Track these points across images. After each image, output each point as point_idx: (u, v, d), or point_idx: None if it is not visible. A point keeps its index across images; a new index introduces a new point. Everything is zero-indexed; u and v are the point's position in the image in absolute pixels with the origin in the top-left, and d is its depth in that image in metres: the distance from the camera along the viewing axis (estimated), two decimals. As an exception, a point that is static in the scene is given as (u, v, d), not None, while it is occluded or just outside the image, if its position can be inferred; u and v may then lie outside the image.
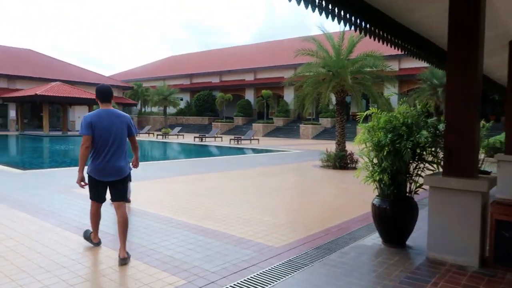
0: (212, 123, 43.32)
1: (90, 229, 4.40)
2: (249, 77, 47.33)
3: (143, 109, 54.35)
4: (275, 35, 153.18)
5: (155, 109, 54.20)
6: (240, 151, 20.16)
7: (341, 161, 11.94)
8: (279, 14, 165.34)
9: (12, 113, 38.22)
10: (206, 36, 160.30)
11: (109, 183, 4.05)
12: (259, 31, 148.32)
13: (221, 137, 28.79)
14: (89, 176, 4.06)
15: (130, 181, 5.58)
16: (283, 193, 7.75)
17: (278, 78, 43.73)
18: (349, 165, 11.99)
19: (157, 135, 30.72)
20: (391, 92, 13.40)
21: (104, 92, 4.13)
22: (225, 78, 50.21)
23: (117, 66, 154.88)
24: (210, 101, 47.92)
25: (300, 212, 6.22)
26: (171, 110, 49.10)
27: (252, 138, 25.77)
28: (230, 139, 25.36)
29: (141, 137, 31.60)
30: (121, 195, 4.12)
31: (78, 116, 43.01)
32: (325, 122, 37.18)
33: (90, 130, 3.90)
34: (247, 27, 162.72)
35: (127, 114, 4.26)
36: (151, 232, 4.88)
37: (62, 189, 7.46)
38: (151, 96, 44.60)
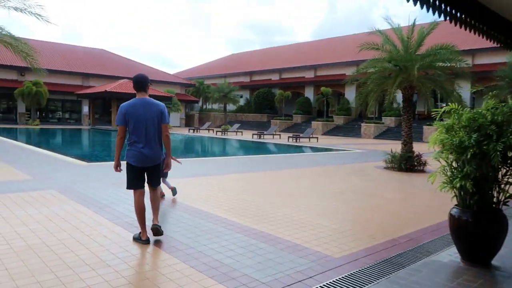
0: (271, 120, 43.14)
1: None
2: (309, 74, 46.47)
3: (204, 106, 55.65)
4: (336, 32, 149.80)
5: (216, 106, 55.28)
6: (298, 149, 19.67)
7: (407, 163, 11.04)
8: (341, 10, 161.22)
9: (85, 109, 40.94)
10: (269, 36, 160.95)
11: (145, 169, 4.24)
12: (320, 28, 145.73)
13: (279, 134, 28.46)
14: (127, 163, 4.22)
15: (165, 177, 5.90)
16: (343, 196, 7.20)
17: (339, 75, 42.49)
18: (416, 168, 11.05)
19: (216, 131, 31.12)
20: (467, 89, 12.16)
21: (139, 82, 4.25)
22: (285, 76, 49.79)
23: (186, 65, 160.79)
24: (269, 99, 47.80)
25: (362, 218, 5.66)
26: (231, 107, 49.75)
27: (311, 136, 25.13)
28: (288, 137, 24.94)
29: (201, 133, 32.27)
30: (156, 181, 4.41)
31: (144, 112, 44.98)
32: (389, 121, 35.42)
33: (124, 121, 4.11)
34: (307, 24, 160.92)
35: (161, 103, 4.32)
36: (200, 232, 4.63)
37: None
38: (212, 93, 45.50)
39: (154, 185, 4.40)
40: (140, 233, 4.25)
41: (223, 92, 43.20)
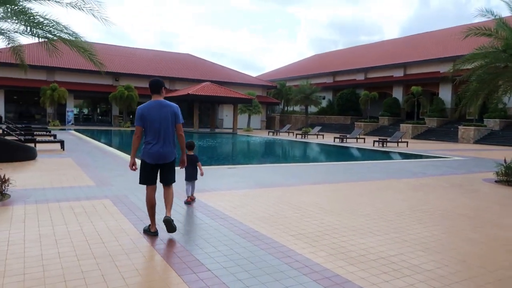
0: (355, 123, 40.82)
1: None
2: (398, 73, 43.11)
3: (285, 108, 54.91)
4: (427, 29, 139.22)
5: (297, 108, 54.23)
6: (386, 155, 17.72)
7: (529, 177, 8.85)
8: (434, 4, 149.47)
9: (171, 111, 42.61)
10: (354, 35, 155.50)
11: (159, 166, 4.47)
12: (409, 26, 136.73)
13: (364, 138, 26.44)
14: (141, 161, 4.46)
15: (196, 179, 6.01)
16: (449, 221, 5.61)
17: (431, 73, 38.74)
18: (541, 183, 8.80)
19: (296, 134, 29.99)
20: None
21: (153, 85, 4.46)
22: (371, 75, 46.92)
23: (269, 68, 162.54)
24: (353, 100, 45.41)
25: (482, 259, 4.11)
26: (312, 109, 48.29)
27: (399, 140, 22.77)
28: (374, 141, 22.88)
29: (280, 136, 31.39)
30: (170, 178, 4.57)
31: (226, 115, 45.68)
32: (492, 123, 31.11)
33: (141, 121, 4.37)
34: (395, 22, 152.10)
35: (174, 104, 4.49)
36: (257, 269, 3.55)
37: (180, 194, 6.80)
38: (293, 95, 44.51)
39: (167, 182, 4.58)
40: (149, 225, 4.52)
41: (304, 94, 41.98)
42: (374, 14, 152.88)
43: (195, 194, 6.29)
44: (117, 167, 9.63)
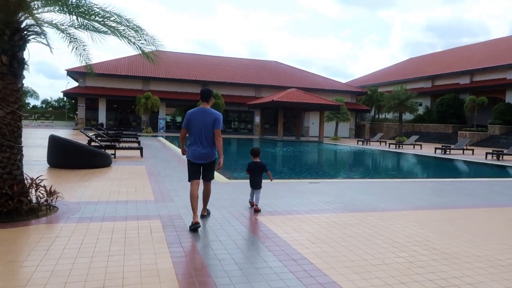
0: (458, 132, 36.23)
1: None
2: (512, 75, 37.42)
3: (377, 116, 51.40)
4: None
5: (390, 115, 50.40)
6: (503, 171, 14.63)
7: None
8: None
9: (256, 119, 42.33)
10: (455, 37, 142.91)
11: (201, 165, 5.10)
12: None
13: (472, 149, 22.82)
14: (187, 160, 5.12)
15: (260, 187, 5.87)
16: None
17: (560, 74, 32.88)
18: None
19: (390, 144, 27.20)
20: None
21: (203, 94, 5.10)
22: (477, 78, 41.55)
23: (359, 75, 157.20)
24: (456, 106, 40.56)
25: None
26: (407, 116, 44.31)
27: (520, 153, 19.05)
28: (487, 153, 19.42)
29: (371, 145, 28.84)
30: (209, 176, 5.27)
31: (312, 122, 44.02)
32: None
33: (186, 124, 5.05)
34: (504, 20, 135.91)
35: (218, 112, 5.04)
36: None
37: (245, 219, 5.54)
38: (386, 101, 41.24)
39: (207, 179, 5.26)
40: (192, 220, 4.84)
41: (398, 100, 38.51)
42: (478, 14, 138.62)
43: (260, 205, 5.17)
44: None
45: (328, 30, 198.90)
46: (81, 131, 18.78)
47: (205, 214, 5.39)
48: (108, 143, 12.81)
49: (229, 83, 41.60)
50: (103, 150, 10.82)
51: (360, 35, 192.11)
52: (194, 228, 4.71)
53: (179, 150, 16.20)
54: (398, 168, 15.96)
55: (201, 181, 5.19)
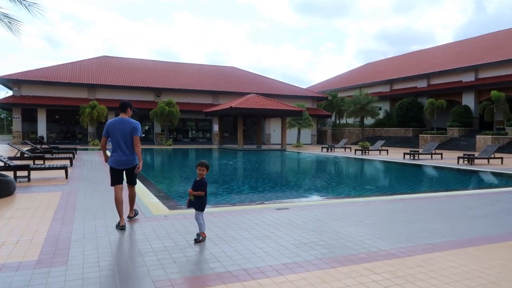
0: (419, 135, 35.82)
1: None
2: (468, 78, 37.66)
3: (337, 121, 50.63)
4: (484, 32, 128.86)
5: (350, 120, 49.79)
6: (483, 177, 13.32)
7: None
8: (490, 10, 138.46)
9: (215, 128, 39.99)
10: (405, 45, 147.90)
11: (122, 170, 5.53)
12: (463, 32, 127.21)
13: (441, 153, 21.81)
14: (110, 167, 5.51)
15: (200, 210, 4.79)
16: None
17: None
18: None
19: (355, 150, 25.85)
20: None
21: (121, 106, 5.61)
22: (435, 81, 41.70)
23: (316, 81, 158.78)
24: (415, 109, 40.38)
25: None
26: (368, 121, 43.73)
27: (491, 156, 18.09)
28: (459, 157, 18.30)
29: (336, 152, 27.39)
30: (132, 180, 5.66)
31: (273, 129, 42.29)
32: None
33: (106, 133, 5.51)
34: (448, 29, 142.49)
35: (135, 121, 5.55)
36: None
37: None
38: (347, 106, 40.34)
39: (131, 183, 5.68)
40: (119, 221, 5.28)
41: (360, 104, 37.72)
42: (426, 24, 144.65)
43: (206, 256, 2.95)
44: (111, 210, 6.42)
45: (286, 38, 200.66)
46: (8, 144, 15.78)
47: (132, 216, 5.74)
48: (19, 164, 10.11)
49: (185, 89, 39.08)
50: (2, 175, 8.19)
51: (317, 43, 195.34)
52: (120, 228, 5.21)
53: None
54: (374, 180, 14.12)
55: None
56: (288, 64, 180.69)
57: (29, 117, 34.64)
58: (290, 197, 9.35)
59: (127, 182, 5.63)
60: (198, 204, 4.74)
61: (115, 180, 5.48)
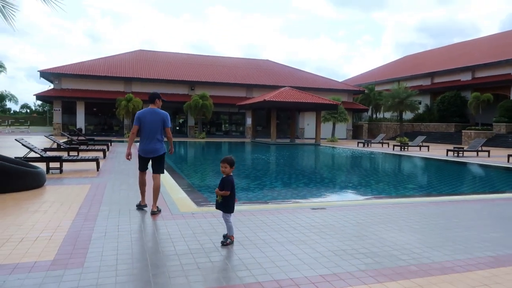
0: (462, 131, 33.91)
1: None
2: (519, 70, 35.20)
3: (374, 115, 49.03)
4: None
5: (387, 115, 48.08)
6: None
7: None
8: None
9: (248, 121, 39.69)
10: (446, 37, 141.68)
11: (149, 159, 5.78)
12: (510, 20, 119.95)
13: (488, 150, 20.40)
14: (138, 155, 5.83)
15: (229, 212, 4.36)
16: None
17: None
18: None
19: (394, 145, 24.71)
20: None
21: (150, 97, 5.87)
22: (480, 74, 39.34)
23: (351, 75, 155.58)
24: (458, 104, 38.34)
25: None
26: (406, 116, 41.96)
27: (546, 154, 16.60)
28: (509, 155, 16.95)
29: (373, 147, 26.35)
30: (157, 169, 5.77)
31: (307, 124, 41.50)
32: None
33: (138, 123, 5.71)
34: (494, 20, 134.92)
35: (165, 112, 5.77)
36: None
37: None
38: (384, 100, 38.81)
39: (155, 171, 5.77)
40: (140, 201, 5.90)
41: (398, 98, 36.12)
42: (469, 14, 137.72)
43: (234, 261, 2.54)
44: (134, 206, 6.14)
45: (322, 31, 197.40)
46: (45, 136, 16.12)
47: (155, 211, 5.61)
48: (51, 155, 10.11)
49: (219, 83, 38.97)
50: (34, 166, 8.12)
51: (354, 36, 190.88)
52: (140, 208, 5.76)
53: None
54: (416, 178, 13.17)
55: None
56: (324, 57, 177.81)
57: (69, 110, 35.67)
58: (325, 196, 8.79)
59: (153, 171, 5.75)
60: (224, 205, 4.31)
61: (142, 167, 5.86)
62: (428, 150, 23.17)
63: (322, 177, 12.78)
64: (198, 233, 4.69)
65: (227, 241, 4.25)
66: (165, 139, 5.89)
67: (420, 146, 24.10)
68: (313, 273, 3.49)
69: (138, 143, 6.14)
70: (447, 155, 19.55)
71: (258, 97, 33.36)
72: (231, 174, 4.39)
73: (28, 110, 79.87)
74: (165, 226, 4.97)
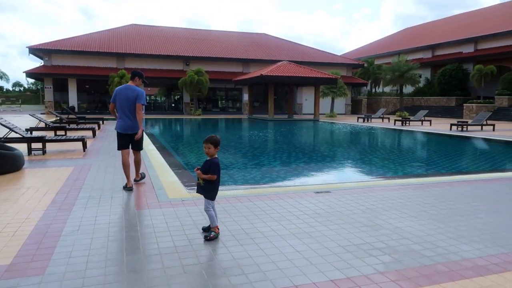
0: (464, 104, 33.19)
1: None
2: (522, 41, 34.20)
3: (373, 90, 48.11)
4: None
5: (386, 89, 47.19)
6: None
7: None
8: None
9: (245, 97, 38.81)
10: (446, 9, 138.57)
11: (127, 135, 5.73)
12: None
13: (493, 124, 19.75)
14: (116, 132, 5.78)
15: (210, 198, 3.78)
16: None
17: None
18: None
19: (395, 120, 24.04)
20: None
21: (131, 74, 5.86)
22: (483, 46, 38.26)
23: (349, 49, 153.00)
24: (459, 77, 37.45)
25: None
26: (406, 89, 41.07)
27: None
28: (516, 130, 16.36)
29: (373, 122, 25.70)
30: (137, 146, 5.90)
31: (305, 99, 40.64)
32: None
33: (113, 99, 5.73)
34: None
35: (140, 89, 5.69)
36: None
37: None
38: (384, 74, 37.83)
39: (136, 149, 5.91)
40: (126, 183, 5.65)
41: (399, 71, 35.19)
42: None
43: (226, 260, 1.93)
44: (120, 191, 5.53)
45: (319, 5, 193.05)
46: (30, 115, 15.40)
47: (138, 179, 5.93)
48: (32, 136, 9.40)
49: (215, 58, 37.80)
50: (11, 148, 7.45)
51: (351, 9, 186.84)
52: (127, 189, 5.59)
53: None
54: (423, 155, 12.43)
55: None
56: (321, 32, 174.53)
57: (61, 87, 34.62)
58: (329, 176, 8.19)
59: (132, 148, 5.88)
60: (208, 190, 3.71)
61: (121, 144, 5.80)
62: (430, 125, 22.55)
63: (324, 155, 12.15)
64: (187, 225, 4.08)
65: (211, 234, 3.66)
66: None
67: (422, 121, 23.45)
68: (323, 278, 2.89)
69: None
70: (450, 129, 18.94)
71: (255, 72, 32.39)
72: (216, 156, 3.76)
73: (22, 89, 78.38)
74: (149, 217, 4.35)
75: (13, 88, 75.42)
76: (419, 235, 3.85)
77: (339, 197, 5.34)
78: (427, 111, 24.75)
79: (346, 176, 8.30)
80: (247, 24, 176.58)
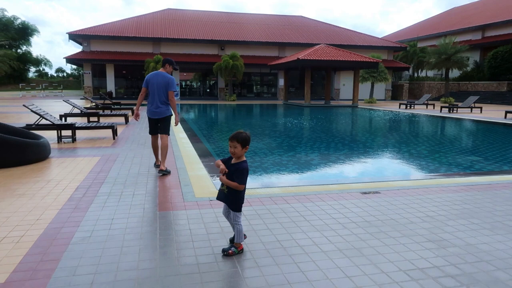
0: (517, 90, 30.76)
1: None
2: None
3: (415, 74, 45.71)
4: None
5: (430, 73, 44.71)
6: None
7: None
8: None
9: (280, 82, 37.90)
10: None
11: (157, 120, 5.99)
12: None
13: (554, 112, 17.88)
14: (147, 117, 6.08)
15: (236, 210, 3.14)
16: None
17: None
18: None
19: (441, 107, 22.46)
20: None
21: (162, 61, 6.02)
22: (541, 26, 35.16)
23: (388, 32, 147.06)
24: (512, 60, 34.69)
25: None
26: (452, 74, 38.62)
27: None
28: None
29: (416, 109, 24.18)
30: (162, 130, 6.03)
31: (343, 84, 39.22)
32: None
33: (145, 84, 5.94)
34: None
35: (170, 76, 5.92)
36: None
37: None
38: (428, 57, 35.60)
39: (162, 131, 6.04)
40: (155, 161, 6.29)
41: (445, 54, 32.97)
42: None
43: None
44: (144, 185, 5.05)
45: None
46: (64, 101, 15.42)
47: (164, 170, 5.74)
48: (61, 123, 9.15)
49: (250, 41, 37.02)
50: (37, 136, 7.17)
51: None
52: (157, 166, 6.12)
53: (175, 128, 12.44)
54: (481, 148, 11.05)
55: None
56: (359, 13, 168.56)
57: (99, 73, 35.14)
58: (375, 172, 7.36)
59: (159, 131, 6.04)
60: (232, 200, 3.07)
61: (152, 129, 6.10)
62: (481, 112, 20.87)
63: (366, 146, 11.16)
64: (213, 233, 3.49)
65: (231, 248, 3.04)
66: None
67: (471, 108, 21.76)
68: (385, 322, 2.21)
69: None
70: (505, 117, 17.34)
71: (291, 56, 31.37)
72: (245, 158, 3.06)
73: (65, 74, 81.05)
74: (171, 222, 3.81)
75: (56, 73, 78.14)
76: (501, 257, 3.07)
77: (390, 200, 4.59)
78: (478, 97, 22.94)
79: (395, 172, 7.43)
80: (282, 7, 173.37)
